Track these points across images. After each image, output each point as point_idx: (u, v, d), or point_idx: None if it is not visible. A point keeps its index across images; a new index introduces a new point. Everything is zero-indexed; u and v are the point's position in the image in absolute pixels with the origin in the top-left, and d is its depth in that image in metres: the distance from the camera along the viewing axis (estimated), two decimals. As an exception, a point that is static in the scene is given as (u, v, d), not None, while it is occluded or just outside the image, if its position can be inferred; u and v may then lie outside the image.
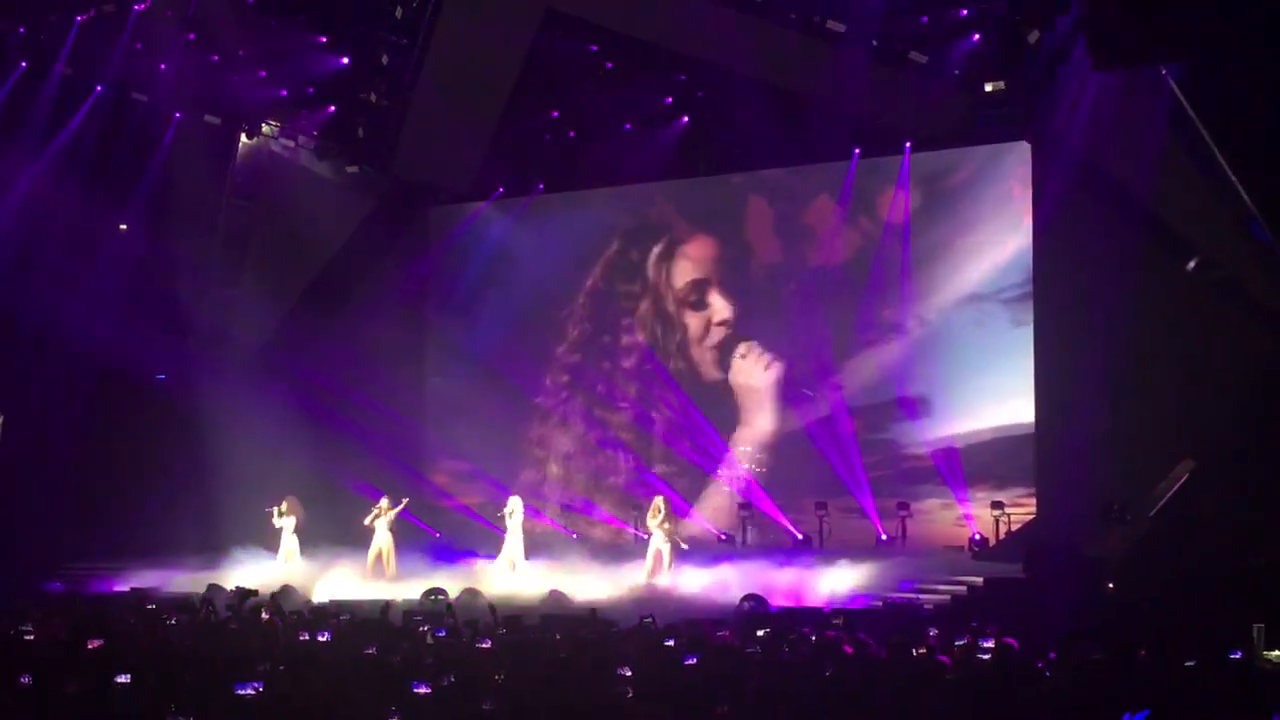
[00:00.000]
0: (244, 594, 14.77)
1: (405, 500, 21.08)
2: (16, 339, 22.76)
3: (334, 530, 21.64)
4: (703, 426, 24.07)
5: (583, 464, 25.28)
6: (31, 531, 21.60)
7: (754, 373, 23.92)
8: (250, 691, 7.87)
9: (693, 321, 24.71)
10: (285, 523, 21.15)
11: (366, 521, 20.88)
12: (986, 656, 10.39)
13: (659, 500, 19.92)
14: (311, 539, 21.36)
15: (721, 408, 24.13)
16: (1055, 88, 19.88)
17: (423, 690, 8.13)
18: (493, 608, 14.30)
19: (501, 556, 20.57)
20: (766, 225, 24.08)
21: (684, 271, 24.85)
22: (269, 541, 21.21)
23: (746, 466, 23.63)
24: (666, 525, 19.42)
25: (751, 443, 23.76)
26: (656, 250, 25.02)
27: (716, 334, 24.46)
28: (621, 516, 24.22)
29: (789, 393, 23.46)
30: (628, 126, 24.74)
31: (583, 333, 25.59)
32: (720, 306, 24.47)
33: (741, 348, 24.11)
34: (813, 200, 23.72)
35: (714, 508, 23.81)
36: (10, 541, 20.89)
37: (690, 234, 24.74)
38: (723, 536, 23.03)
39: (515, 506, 20.89)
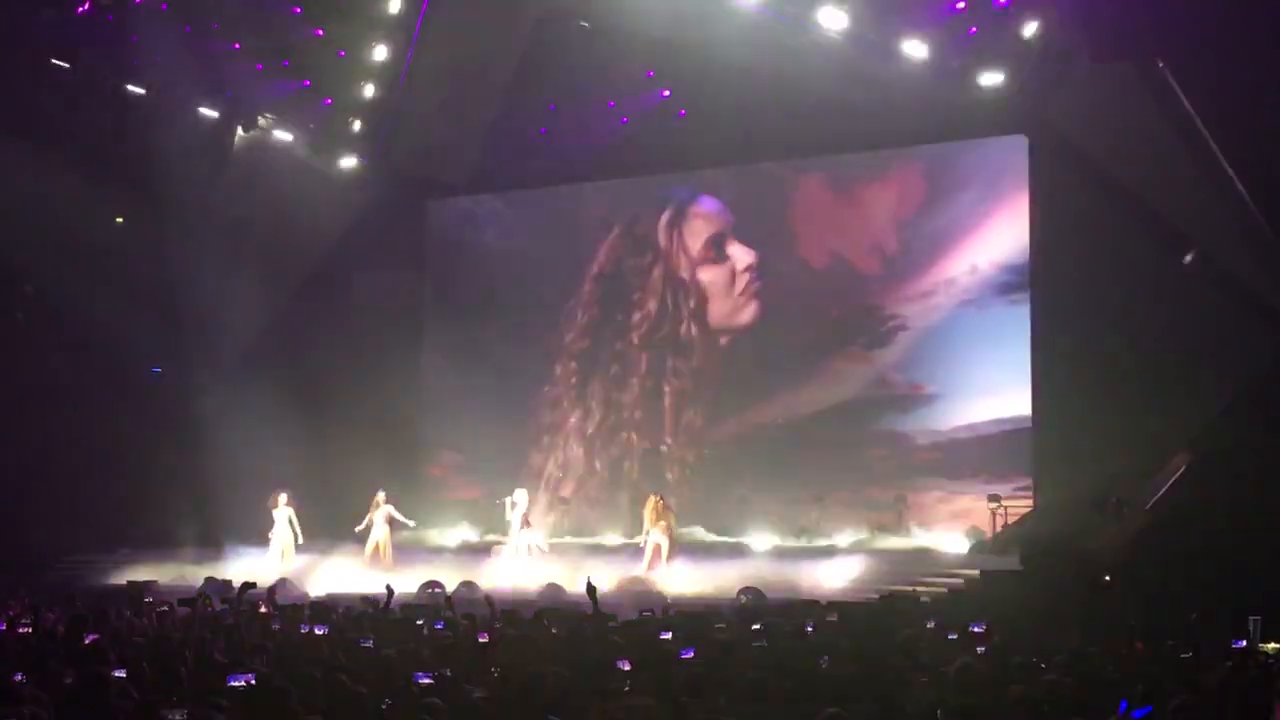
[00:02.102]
0: (243, 587, 14.77)
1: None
2: (13, 331, 22.77)
3: (330, 523, 21.63)
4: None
5: (597, 451, 25.14)
6: (28, 525, 21.60)
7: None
8: (243, 683, 7.86)
9: (712, 277, 24.37)
10: (279, 515, 21.14)
11: (364, 524, 20.92)
12: (983, 649, 10.39)
13: (655, 498, 19.94)
14: (307, 532, 21.36)
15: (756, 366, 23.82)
16: (1053, 81, 19.85)
17: (426, 681, 8.13)
18: (490, 600, 14.28)
19: (505, 549, 20.61)
20: (761, 218, 24.04)
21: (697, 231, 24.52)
22: (264, 535, 21.20)
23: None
24: (664, 521, 19.43)
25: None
26: (665, 218, 24.70)
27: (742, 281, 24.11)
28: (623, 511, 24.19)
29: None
30: (624, 119, 24.68)
31: (590, 317, 25.35)
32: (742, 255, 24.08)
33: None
34: (809, 192, 23.70)
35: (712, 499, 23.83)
36: (7, 535, 20.89)
37: (688, 224, 24.67)
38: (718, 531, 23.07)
39: (520, 500, 20.93)
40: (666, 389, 24.53)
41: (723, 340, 24.19)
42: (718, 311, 24.26)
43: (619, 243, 25.21)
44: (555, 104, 24.67)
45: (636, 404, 24.80)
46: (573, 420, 25.35)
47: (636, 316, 24.86)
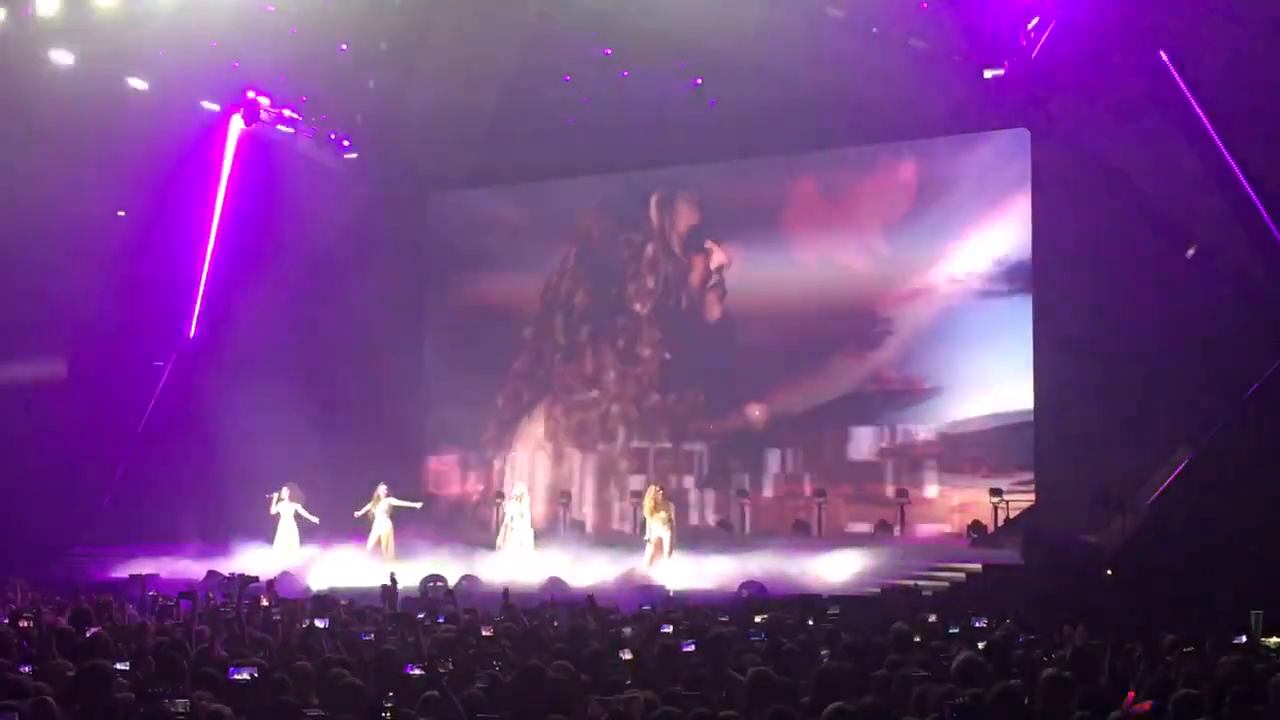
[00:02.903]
0: (244, 581, 14.77)
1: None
2: (15, 326, 22.76)
3: (332, 517, 21.63)
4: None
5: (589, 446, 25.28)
6: (31, 518, 21.60)
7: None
8: (245, 676, 7.87)
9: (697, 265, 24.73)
10: (285, 509, 21.12)
11: (363, 512, 20.92)
12: (981, 644, 10.37)
13: (655, 488, 19.92)
14: (310, 526, 21.36)
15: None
16: (1054, 74, 19.84)
17: (417, 672, 8.12)
18: (505, 591, 14.31)
19: (506, 542, 20.64)
20: (766, 213, 24.02)
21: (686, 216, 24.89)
22: (269, 529, 21.20)
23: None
24: (662, 512, 19.40)
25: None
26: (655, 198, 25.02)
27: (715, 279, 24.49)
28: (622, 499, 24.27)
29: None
30: (627, 113, 24.61)
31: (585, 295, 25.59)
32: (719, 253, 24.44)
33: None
34: (809, 187, 23.68)
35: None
36: (10, 528, 20.89)
37: (690, 210, 24.70)
38: (721, 523, 23.07)
39: (522, 493, 20.97)
40: (656, 394, 24.73)
41: (714, 325, 24.36)
42: (691, 300, 24.60)
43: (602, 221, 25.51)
44: (557, 97, 24.60)
45: (625, 397, 24.96)
46: (564, 412, 25.49)
47: (632, 289, 25.15)
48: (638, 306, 24.97)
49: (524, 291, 25.82)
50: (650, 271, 24.84)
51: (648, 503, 19.76)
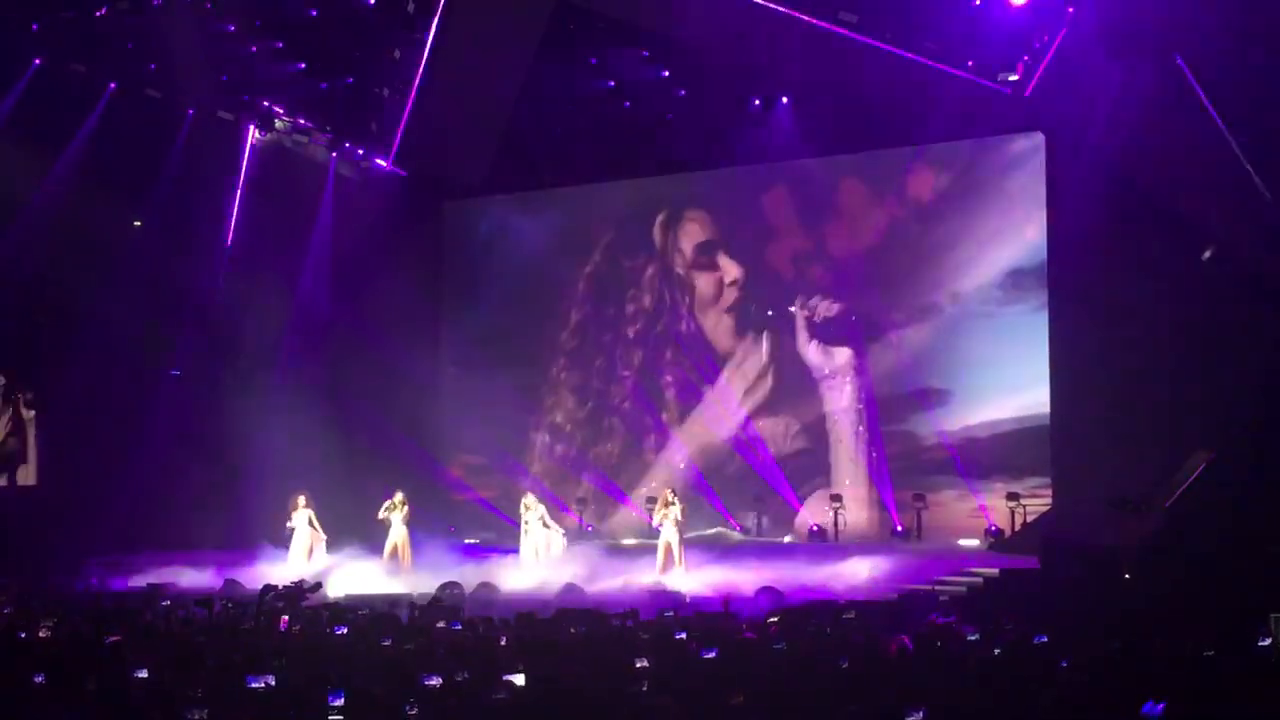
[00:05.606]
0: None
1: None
2: (35, 336, 22.87)
3: (350, 525, 21.66)
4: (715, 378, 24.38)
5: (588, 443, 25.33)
6: (50, 527, 21.68)
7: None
8: (262, 685, 7.89)
9: (702, 283, 24.75)
10: (299, 517, 21.14)
11: (380, 515, 20.93)
12: (1000, 649, 10.36)
13: (667, 491, 19.88)
14: (327, 533, 21.38)
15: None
16: (1070, 78, 19.80)
17: (434, 682, 8.15)
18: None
19: (521, 551, 20.64)
20: (783, 218, 24.01)
21: (691, 235, 24.90)
22: (285, 537, 21.21)
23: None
24: (674, 516, 19.32)
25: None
26: (660, 218, 25.05)
27: (729, 295, 24.47)
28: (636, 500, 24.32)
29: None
30: (640, 117, 24.65)
31: (584, 315, 25.64)
32: (730, 268, 24.45)
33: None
34: (828, 193, 23.65)
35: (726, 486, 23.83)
36: (30, 538, 20.97)
37: (702, 216, 24.74)
38: (738, 527, 23.04)
39: (532, 502, 20.96)
40: (667, 391, 24.74)
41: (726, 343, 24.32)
42: (706, 319, 24.62)
43: (615, 242, 25.48)
44: (571, 104, 24.65)
45: (626, 397, 25.06)
46: (567, 418, 25.54)
47: (630, 309, 25.18)
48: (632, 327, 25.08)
49: (539, 299, 25.83)
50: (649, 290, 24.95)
51: (660, 507, 19.74)
